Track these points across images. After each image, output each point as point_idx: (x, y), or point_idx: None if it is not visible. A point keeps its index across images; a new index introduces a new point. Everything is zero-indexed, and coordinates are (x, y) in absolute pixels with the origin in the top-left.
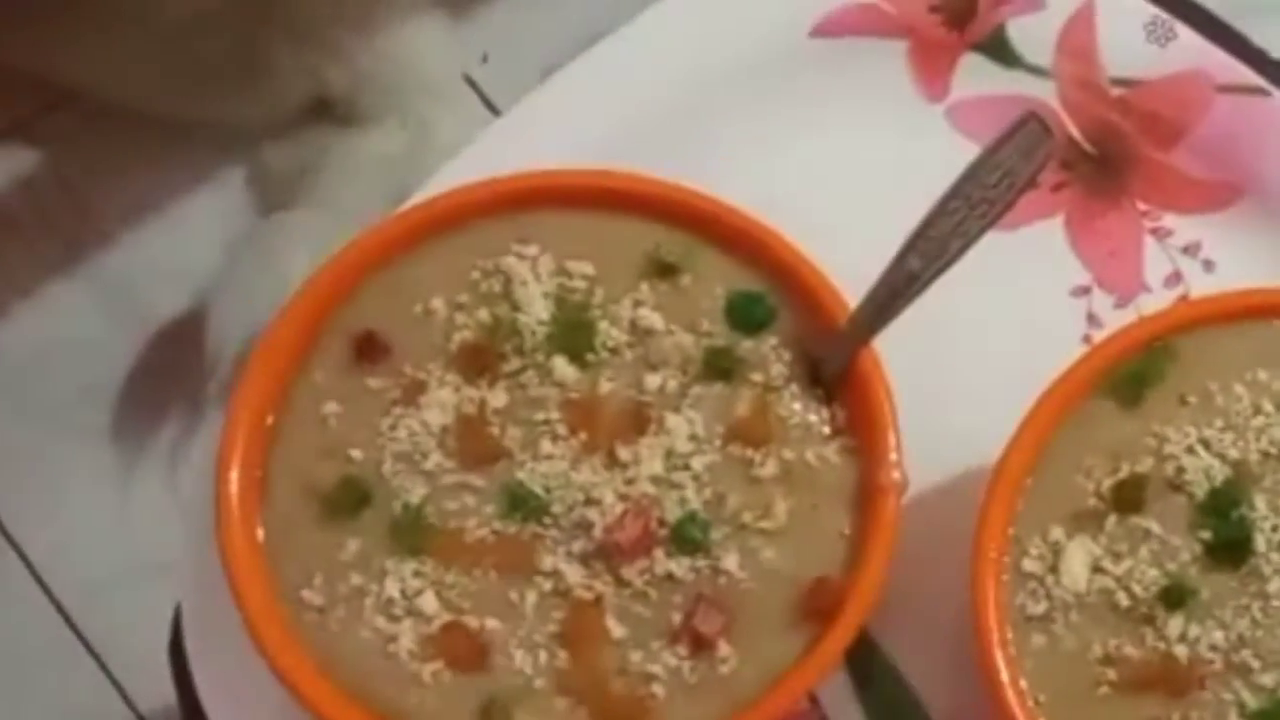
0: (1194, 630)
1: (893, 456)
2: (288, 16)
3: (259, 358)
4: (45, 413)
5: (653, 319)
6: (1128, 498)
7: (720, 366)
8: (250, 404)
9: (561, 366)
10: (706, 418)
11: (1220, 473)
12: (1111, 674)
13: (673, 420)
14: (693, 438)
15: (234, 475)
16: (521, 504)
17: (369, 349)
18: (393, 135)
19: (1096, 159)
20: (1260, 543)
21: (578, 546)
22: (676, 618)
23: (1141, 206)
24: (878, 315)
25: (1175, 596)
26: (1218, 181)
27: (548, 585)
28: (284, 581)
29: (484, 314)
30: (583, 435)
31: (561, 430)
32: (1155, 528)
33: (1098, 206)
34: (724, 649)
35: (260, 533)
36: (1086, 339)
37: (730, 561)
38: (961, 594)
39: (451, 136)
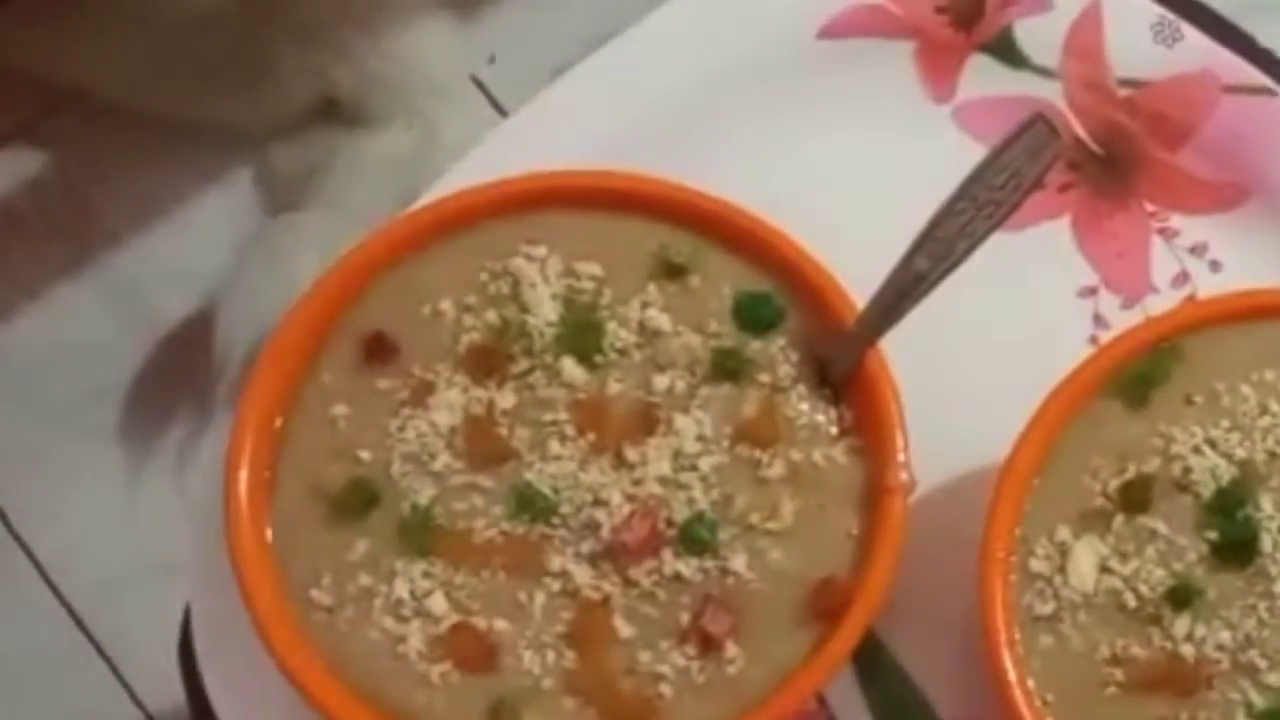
0: (1201, 630)
1: (900, 457)
2: (293, 17)
3: (267, 359)
4: (53, 414)
5: (660, 320)
6: (1135, 498)
7: (728, 367)
8: (259, 405)
9: (570, 367)
10: (714, 418)
11: (1227, 473)
12: (1119, 674)
13: (681, 421)
14: (700, 438)
15: (243, 476)
16: (530, 505)
17: (377, 350)
18: (400, 136)
19: (1103, 160)
20: (1267, 542)
21: (586, 547)
22: (684, 618)
23: (1149, 207)
24: (885, 316)
25: (1182, 596)
26: (1225, 182)
27: (556, 586)
28: (293, 582)
29: (492, 315)
30: (591, 436)
31: (569, 431)
32: (1162, 528)
33: (1105, 207)
34: (732, 649)
35: (269, 533)
36: (1093, 339)
37: (738, 562)
38: (969, 594)
39: (459, 137)
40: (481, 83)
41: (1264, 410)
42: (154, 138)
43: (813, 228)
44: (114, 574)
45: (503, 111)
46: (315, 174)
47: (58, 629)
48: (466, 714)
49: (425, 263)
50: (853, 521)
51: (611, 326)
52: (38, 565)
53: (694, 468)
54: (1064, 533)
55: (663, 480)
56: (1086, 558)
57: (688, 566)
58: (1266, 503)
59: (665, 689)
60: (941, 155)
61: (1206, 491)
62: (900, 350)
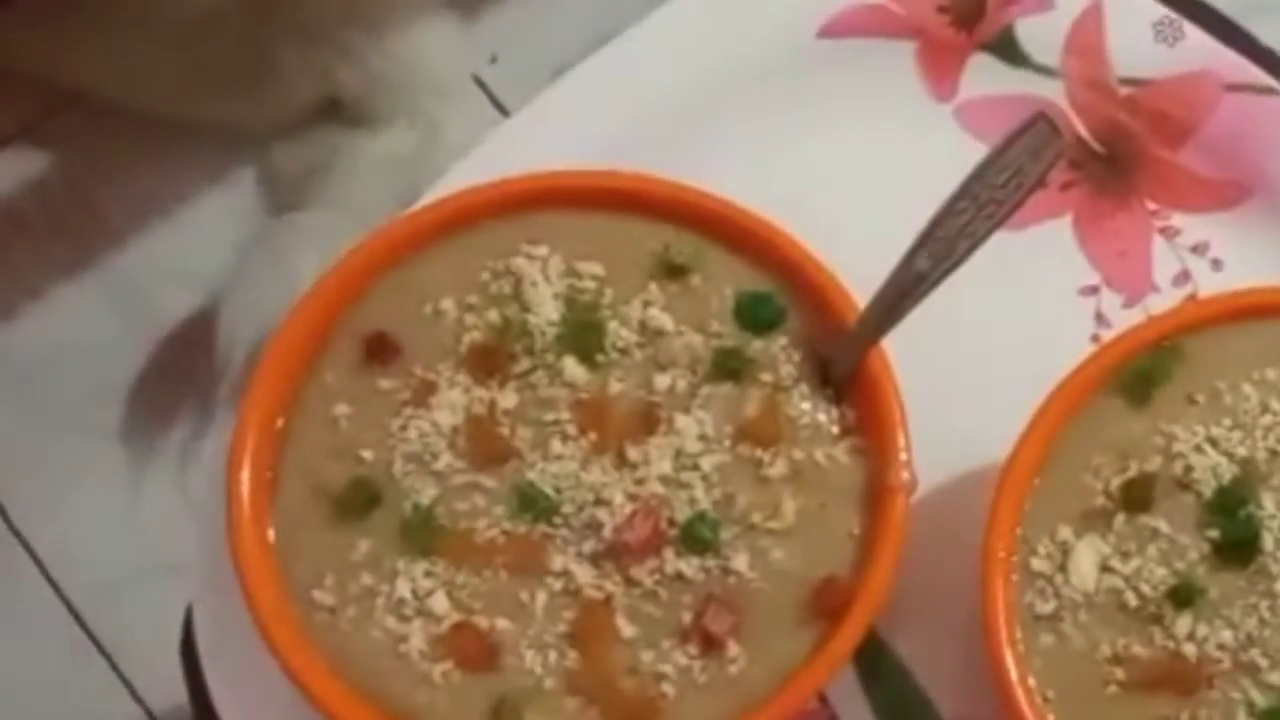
0: (1202, 629)
1: (902, 456)
2: (295, 17)
3: (269, 359)
4: (55, 413)
5: (662, 319)
6: (1136, 497)
7: (729, 367)
8: (261, 405)
9: (571, 367)
10: (716, 418)
11: (1228, 471)
12: (1120, 673)
13: (682, 420)
14: (702, 438)
15: (245, 476)
16: (532, 504)
17: (379, 350)
18: (402, 136)
19: (1105, 158)
20: (1268, 541)
21: (588, 546)
22: (686, 617)
23: (1150, 206)
24: (886, 315)
25: (1183, 595)
26: (1226, 180)
27: (558, 585)
28: (295, 582)
29: (494, 315)
30: (592, 435)
31: (571, 430)
32: (1163, 526)
33: (1106, 206)
34: (733, 648)
35: (271, 533)
36: (1095, 338)
37: (740, 561)
38: (970, 593)
39: (460, 137)
40: (483, 82)
41: (1265, 409)
42: (157, 138)
43: (814, 227)
44: (116, 573)
45: (504, 111)
46: (317, 174)
47: (59, 628)
48: (468, 713)
49: (427, 262)
50: (854, 521)
51: (613, 326)
52: (39, 564)
53: (696, 467)
54: (1065, 532)
55: (664, 480)
56: (1088, 557)
57: (689, 566)
58: (1268, 501)
59: (667, 688)
60: (943, 154)
61: (1208, 490)
62: (902, 350)
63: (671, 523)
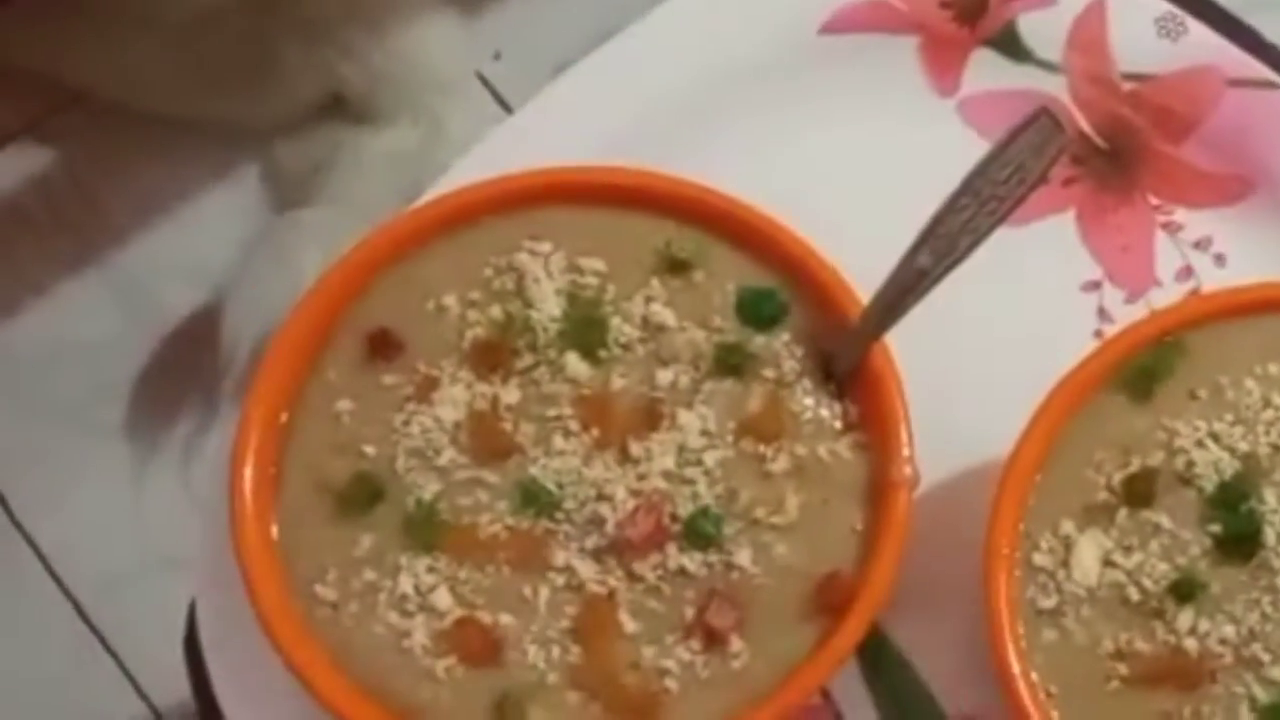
0: (1204, 624)
1: (905, 452)
2: (298, 14)
3: (273, 355)
4: (59, 409)
5: (664, 315)
6: (1138, 492)
7: (732, 362)
8: (264, 401)
9: (574, 363)
10: (718, 413)
11: (1230, 466)
12: (1122, 668)
13: (685, 416)
14: (705, 433)
15: (248, 472)
16: (534, 500)
17: (382, 346)
18: (405, 132)
19: (1108, 153)
20: (1270, 536)
21: (590, 542)
22: (689, 612)
23: (1153, 201)
24: (889, 311)
25: (1185, 590)
26: (1229, 175)
27: (560, 581)
28: (298, 577)
29: (496, 311)
30: (595, 431)
31: (574, 426)
32: (1165, 522)
33: (1109, 201)
34: (736, 644)
35: (274, 529)
36: (1098, 334)
37: (742, 556)
38: (973, 588)
39: (463, 133)
40: (486, 79)
41: (1267, 404)
42: (160, 135)
43: (816, 223)
44: (119, 568)
45: (507, 108)
46: (320, 171)
47: (63, 623)
48: (471, 708)
49: (429, 259)
50: (857, 516)
51: (615, 322)
52: (43, 559)
53: (698, 462)
54: (1068, 527)
55: (667, 475)
56: (1090, 552)
57: (692, 561)
58: (1270, 496)
59: (670, 684)
60: (945, 150)
61: (1210, 485)
62: (904, 345)
63: (674, 518)
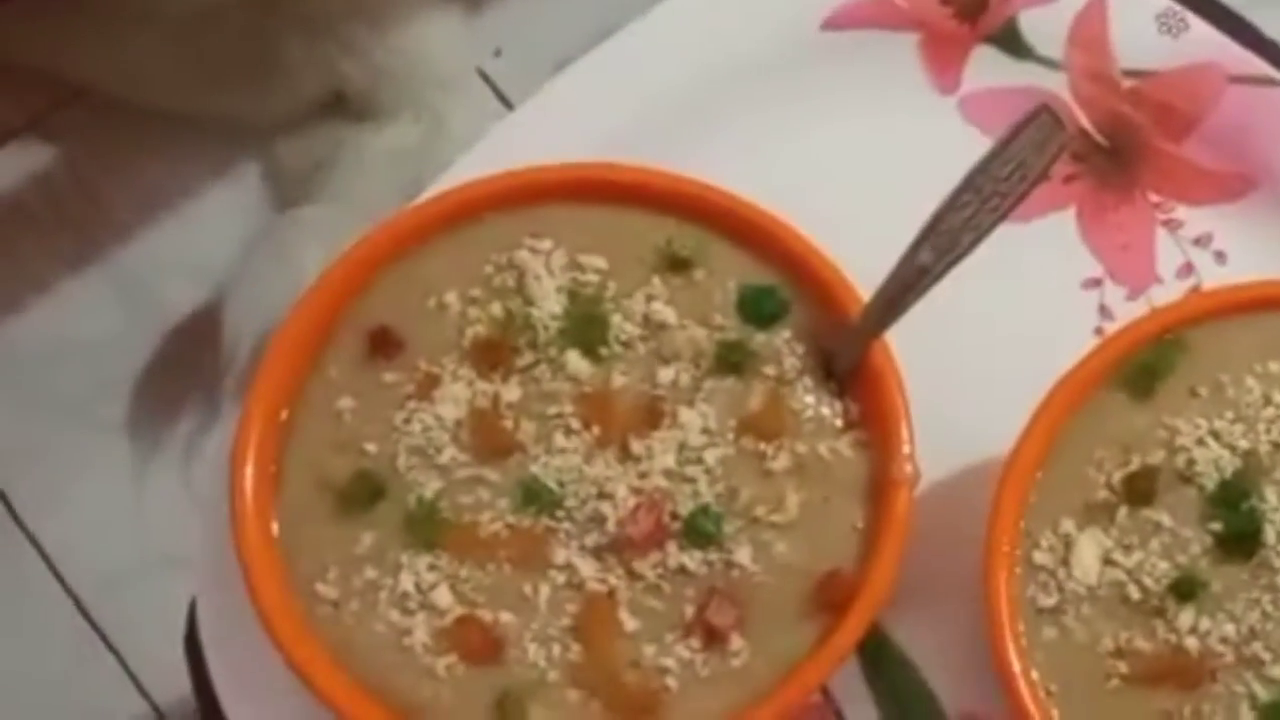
0: (1205, 623)
1: (905, 450)
2: (299, 11)
3: (274, 352)
4: (60, 406)
5: (665, 313)
6: (1139, 490)
7: (733, 360)
8: (265, 398)
9: (574, 360)
10: (719, 411)
11: (1230, 464)
12: (1123, 666)
13: (685, 414)
14: (705, 431)
15: (249, 470)
16: (535, 498)
17: (383, 344)
18: (406, 129)
19: (1108, 151)
20: (1270, 534)
21: (591, 540)
22: (689, 611)
23: (1153, 198)
24: (889, 309)
25: (1186, 589)
26: (1230, 173)
27: (561, 579)
28: (298, 575)
29: (497, 308)
30: (596, 429)
31: (575, 424)
32: (1166, 520)
33: (1110, 198)
34: (736, 642)
35: (275, 527)
36: (1098, 331)
37: (743, 554)
38: (973, 586)
39: (464, 130)
40: (487, 76)
41: (1268, 401)
42: (162, 132)
43: (817, 220)
44: (121, 566)
45: (508, 104)
46: (322, 168)
47: (64, 620)
48: (472, 706)
49: (430, 256)
50: (858, 514)
51: (616, 319)
52: (45, 557)
53: (699, 460)
54: (1068, 525)
55: (668, 473)
56: (1090, 550)
57: (692, 559)
58: (1270, 494)
59: (670, 682)
60: (946, 147)
61: (1210, 483)
62: (905, 343)
63: (675, 516)
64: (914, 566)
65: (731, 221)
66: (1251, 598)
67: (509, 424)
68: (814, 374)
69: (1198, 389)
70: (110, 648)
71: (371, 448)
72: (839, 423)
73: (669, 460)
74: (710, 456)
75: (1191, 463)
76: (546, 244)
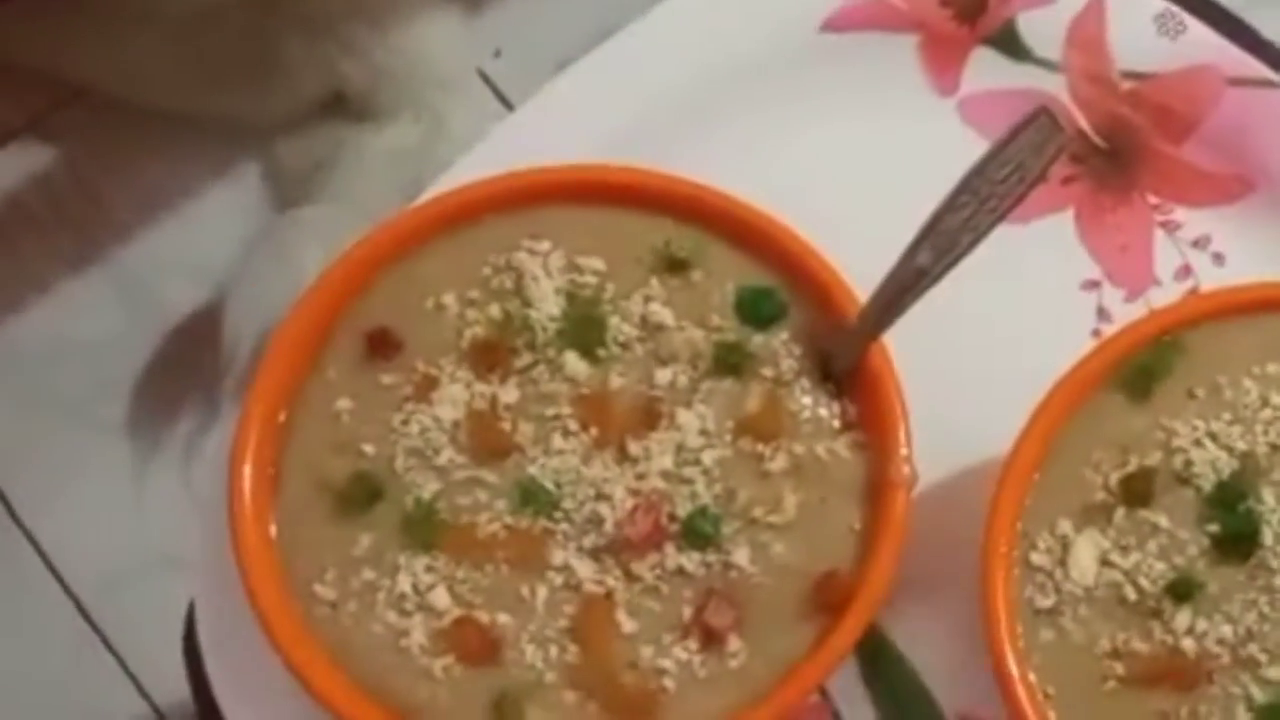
0: (1202, 624)
1: (903, 451)
2: (299, 11)
3: (273, 353)
4: (60, 407)
5: (663, 314)
6: (1136, 491)
7: (731, 361)
8: (264, 400)
9: (572, 362)
10: (717, 413)
11: (1228, 466)
12: (1119, 668)
13: (683, 415)
14: (703, 432)
15: (247, 471)
16: (533, 499)
17: (381, 345)
18: (406, 130)
19: (1107, 152)
20: (1268, 536)
21: (589, 541)
22: (687, 612)
23: (1152, 200)
24: (887, 310)
25: (1183, 590)
26: (1228, 175)
27: (559, 580)
28: (296, 577)
29: (495, 310)
30: (594, 430)
31: (573, 425)
32: (1163, 521)
33: (1108, 200)
34: (734, 643)
35: (273, 528)
36: (1096, 333)
37: (741, 556)
38: (971, 587)
39: (464, 131)
40: (487, 76)
41: (1265, 403)
42: (162, 132)
43: (816, 222)
44: (120, 566)
45: (508, 105)
46: (321, 168)
47: (64, 621)
48: (469, 707)
49: (428, 257)
50: (855, 515)
51: (614, 321)
52: (44, 557)
53: (697, 462)
54: (1065, 526)
55: (665, 474)
56: (1087, 551)
57: (690, 560)
58: (1268, 496)
59: (668, 683)
60: (944, 148)
61: (1208, 485)
62: (903, 344)
63: (672, 517)
64: (912, 567)
65: (729, 223)
66: (1248, 599)
67: (507, 425)
68: (812, 375)
69: (1195, 390)
70: (110, 648)
71: (370, 449)
72: (837, 424)
73: (667, 461)
74: (708, 458)
75: (1189, 464)
76: (545, 245)
